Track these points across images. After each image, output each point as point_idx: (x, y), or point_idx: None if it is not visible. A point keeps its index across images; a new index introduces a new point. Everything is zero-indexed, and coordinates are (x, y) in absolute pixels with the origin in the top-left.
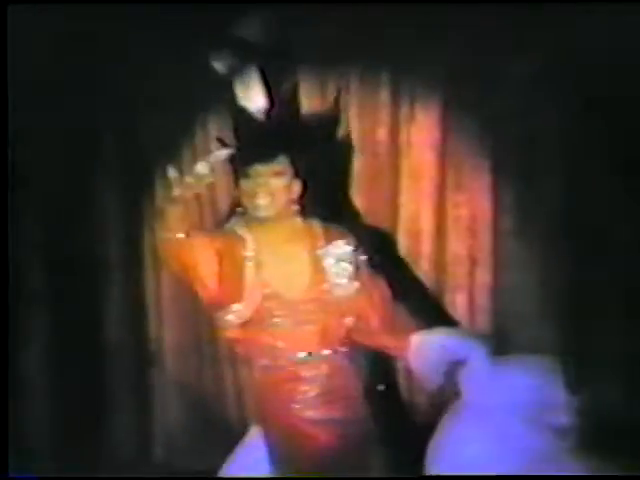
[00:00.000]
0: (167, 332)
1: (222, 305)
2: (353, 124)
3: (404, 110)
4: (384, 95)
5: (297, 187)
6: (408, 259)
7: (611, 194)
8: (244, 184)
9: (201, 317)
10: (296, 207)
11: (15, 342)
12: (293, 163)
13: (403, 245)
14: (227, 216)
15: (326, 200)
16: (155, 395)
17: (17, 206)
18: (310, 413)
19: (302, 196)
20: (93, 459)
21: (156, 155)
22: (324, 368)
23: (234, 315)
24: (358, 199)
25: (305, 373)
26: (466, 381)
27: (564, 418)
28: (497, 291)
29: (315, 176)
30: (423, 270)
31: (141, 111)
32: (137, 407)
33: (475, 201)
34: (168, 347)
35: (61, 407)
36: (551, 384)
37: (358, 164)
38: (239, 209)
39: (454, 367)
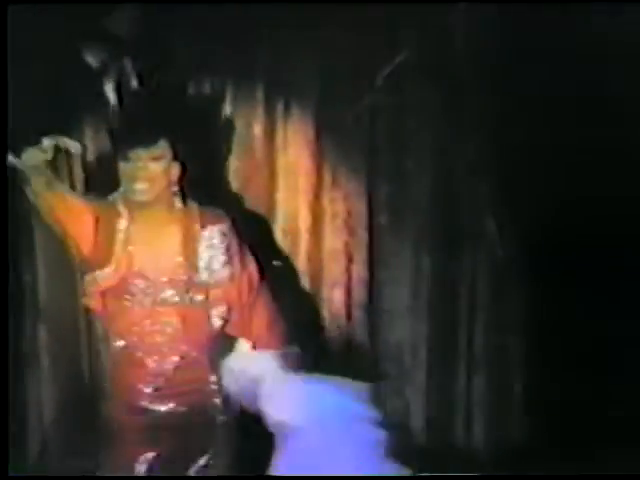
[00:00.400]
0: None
1: (91, 267)
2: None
3: (279, 108)
4: (259, 93)
5: (176, 170)
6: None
7: (477, 192)
8: (123, 167)
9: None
10: (175, 189)
11: None
12: (173, 146)
13: (281, 242)
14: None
15: (205, 184)
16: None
17: None
18: (154, 403)
19: (181, 179)
20: None
21: None
22: (174, 361)
23: (98, 277)
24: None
25: (152, 363)
26: (264, 399)
27: (373, 431)
28: (373, 286)
29: (194, 159)
30: (301, 266)
31: None
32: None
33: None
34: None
35: None
36: (358, 400)
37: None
38: (120, 189)
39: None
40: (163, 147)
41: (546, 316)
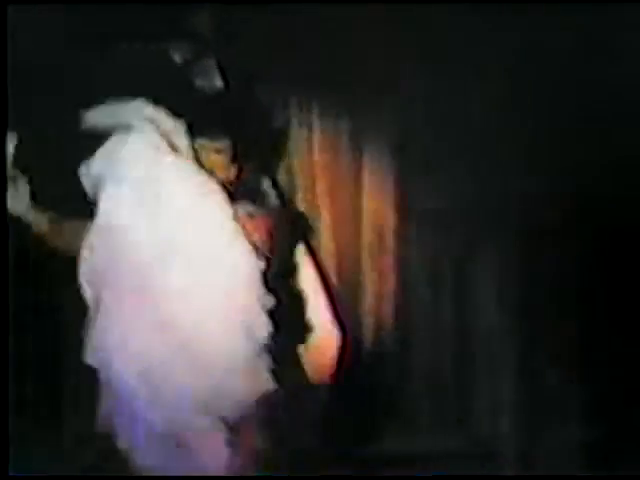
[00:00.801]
0: None
1: None
2: None
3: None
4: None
5: (234, 171)
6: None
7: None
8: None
9: None
10: (228, 190)
11: None
12: (234, 146)
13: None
14: None
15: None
16: None
17: None
18: None
19: (235, 181)
20: None
21: None
22: None
23: None
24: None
25: None
26: None
27: None
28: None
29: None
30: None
31: None
32: None
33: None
34: None
35: None
36: None
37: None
38: None
39: None
40: (226, 143)
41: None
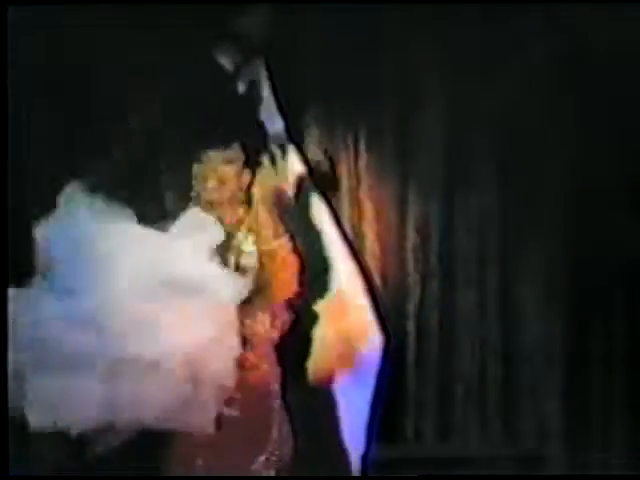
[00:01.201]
0: None
1: None
2: None
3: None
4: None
5: (247, 176)
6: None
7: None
8: (197, 168)
9: None
10: (243, 195)
11: None
12: (245, 152)
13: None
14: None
15: None
16: None
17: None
18: None
19: (249, 186)
20: None
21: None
22: None
23: None
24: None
25: None
26: None
27: None
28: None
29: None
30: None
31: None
32: None
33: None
34: None
35: None
36: None
37: None
38: (192, 193)
39: None
40: (236, 150)
41: None
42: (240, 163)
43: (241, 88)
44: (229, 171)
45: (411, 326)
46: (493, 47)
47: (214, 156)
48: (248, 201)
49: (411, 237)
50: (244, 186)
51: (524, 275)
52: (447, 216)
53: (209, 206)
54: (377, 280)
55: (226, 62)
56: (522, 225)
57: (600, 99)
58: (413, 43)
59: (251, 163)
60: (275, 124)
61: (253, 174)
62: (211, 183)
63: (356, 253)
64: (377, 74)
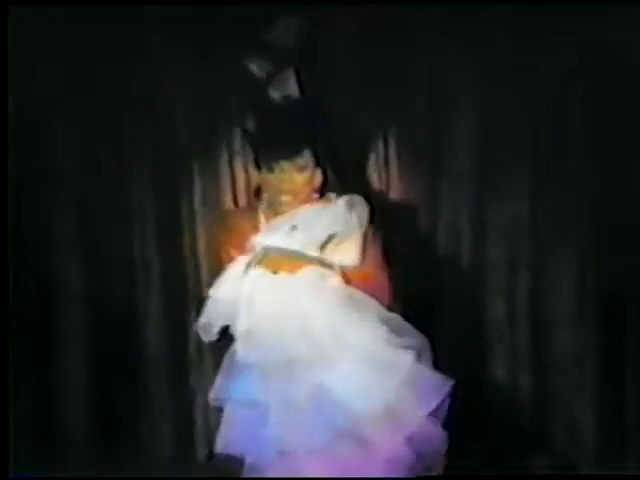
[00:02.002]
0: None
1: None
2: None
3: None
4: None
5: (319, 177)
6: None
7: None
8: (269, 177)
9: None
10: (316, 197)
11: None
12: (315, 155)
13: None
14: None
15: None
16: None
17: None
18: None
19: (323, 185)
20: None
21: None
22: None
23: None
24: None
25: None
26: None
27: None
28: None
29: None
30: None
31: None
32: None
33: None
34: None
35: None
36: None
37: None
38: (264, 195)
39: None
40: (307, 157)
41: None
42: (311, 167)
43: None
44: (301, 179)
45: (442, 333)
46: (526, 49)
47: (286, 166)
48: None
49: (441, 244)
50: (317, 188)
51: (555, 282)
52: (478, 223)
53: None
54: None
55: (257, 71)
56: (555, 231)
57: (633, 105)
58: (445, 45)
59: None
60: None
61: (324, 174)
62: (285, 197)
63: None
64: (409, 78)
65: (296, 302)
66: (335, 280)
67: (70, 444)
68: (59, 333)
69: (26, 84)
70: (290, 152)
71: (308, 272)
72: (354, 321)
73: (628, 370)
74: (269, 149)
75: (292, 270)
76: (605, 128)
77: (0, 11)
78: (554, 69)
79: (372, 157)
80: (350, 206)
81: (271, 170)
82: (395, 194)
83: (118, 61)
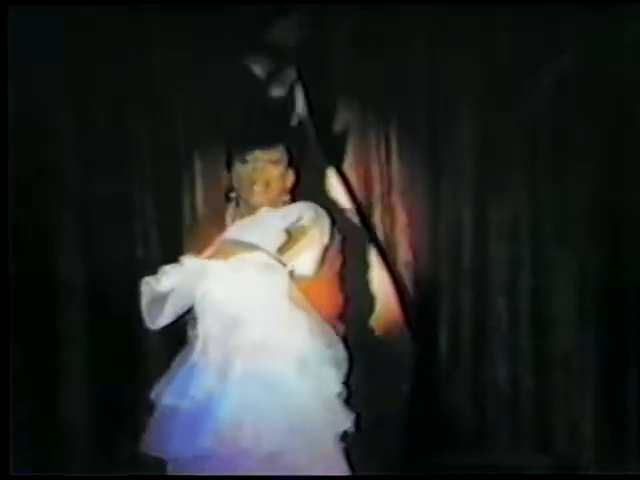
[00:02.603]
0: None
1: None
2: None
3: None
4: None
5: (291, 177)
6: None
7: None
8: (241, 169)
9: None
10: (286, 198)
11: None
12: (289, 152)
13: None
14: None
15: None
16: None
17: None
18: None
19: (294, 186)
20: None
21: None
22: None
23: None
24: None
25: None
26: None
27: None
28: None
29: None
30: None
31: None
32: None
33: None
34: None
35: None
36: None
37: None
38: (232, 194)
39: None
40: (281, 152)
41: None
42: (284, 164)
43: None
44: (274, 172)
45: (443, 332)
46: (527, 50)
47: (261, 156)
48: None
49: (443, 243)
50: (288, 188)
51: (557, 280)
52: (480, 222)
53: (251, 209)
54: (409, 287)
55: (259, 71)
56: (555, 230)
57: (635, 105)
58: (445, 44)
59: (295, 164)
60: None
61: (297, 175)
62: (258, 186)
63: (388, 260)
64: (409, 78)
65: (243, 283)
66: (281, 274)
67: (71, 442)
68: (60, 332)
69: (26, 84)
70: (266, 143)
71: (257, 257)
72: (284, 321)
73: (629, 369)
74: (245, 140)
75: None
76: (605, 127)
77: (0, 11)
78: (554, 68)
79: (374, 156)
80: (313, 214)
81: (245, 162)
82: (396, 193)
83: (118, 61)
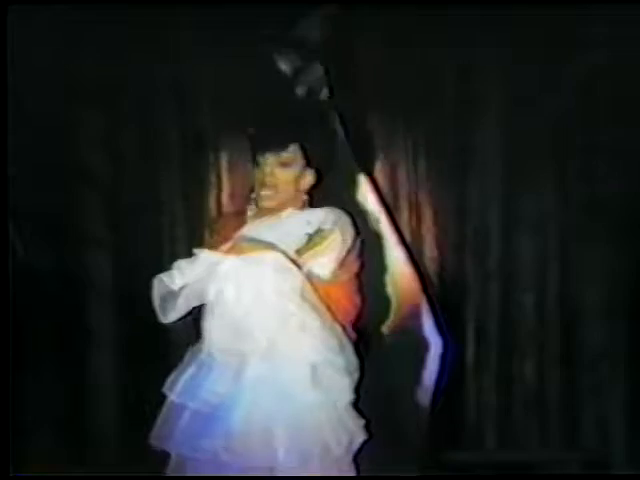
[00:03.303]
0: None
1: None
2: None
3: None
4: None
5: (309, 178)
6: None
7: None
8: (256, 173)
9: None
10: (305, 198)
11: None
12: (305, 153)
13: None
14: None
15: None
16: None
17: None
18: None
19: (314, 186)
20: None
21: None
22: None
23: None
24: None
25: None
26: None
27: None
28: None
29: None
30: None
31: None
32: None
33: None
34: None
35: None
36: None
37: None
38: (252, 194)
39: None
40: (293, 153)
41: None
42: (299, 165)
43: (300, 93)
44: (284, 176)
45: (470, 330)
46: (555, 48)
47: (270, 159)
48: (310, 203)
49: (470, 240)
50: (305, 189)
51: (585, 276)
52: (506, 218)
53: (264, 211)
54: (436, 284)
55: (285, 66)
56: (583, 225)
57: None
58: (474, 44)
59: (314, 164)
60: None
61: (319, 175)
62: (265, 190)
63: (415, 257)
64: (438, 76)
65: (257, 281)
66: (296, 275)
67: (98, 441)
68: (86, 330)
69: (26, 84)
70: (275, 146)
71: (272, 256)
72: (294, 325)
73: None
74: (257, 142)
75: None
76: (635, 123)
77: (0, 11)
78: (583, 64)
79: (401, 155)
80: (336, 220)
81: (258, 164)
82: (424, 193)
83: (118, 61)
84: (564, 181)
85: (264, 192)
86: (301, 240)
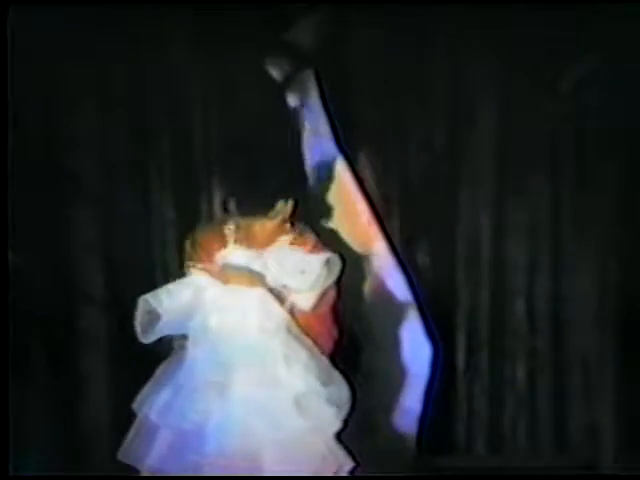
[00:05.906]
0: None
1: None
2: None
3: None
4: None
5: (289, 207)
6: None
7: None
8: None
9: None
10: (288, 225)
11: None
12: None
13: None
14: None
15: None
16: None
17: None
18: None
19: (292, 214)
20: None
21: None
22: None
23: None
24: None
25: None
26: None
27: None
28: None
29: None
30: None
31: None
32: None
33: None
34: None
35: None
36: None
37: None
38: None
39: None
40: (279, 206)
41: None
42: (283, 214)
43: (290, 100)
44: (271, 225)
45: (461, 336)
46: (550, 51)
47: (246, 221)
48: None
49: (461, 245)
50: (285, 226)
51: (575, 282)
52: (498, 224)
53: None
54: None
55: (276, 73)
56: (575, 232)
57: None
58: (464, 45)
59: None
60: (323, 143)
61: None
62: (239, 244)
63: (405, 263)
64: (429, 79)
65: (242, 314)
66: (281, 312)
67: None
68: (76, 334)
69: (26, 84)
70: (263, 208)
71: (258, 292)
72: (285, 357)
73: None
74: (242, 203)
75: (244, 285)
76: (628, 128)
77: (0, 11)
78: (577, 69)
79: (391, 157)
80: (327, 264)
81: (244, 215)
82: (413, 195)
83: (116, 61)
84: (555, 187)
85: (237, 245)
86: (291, 280)
